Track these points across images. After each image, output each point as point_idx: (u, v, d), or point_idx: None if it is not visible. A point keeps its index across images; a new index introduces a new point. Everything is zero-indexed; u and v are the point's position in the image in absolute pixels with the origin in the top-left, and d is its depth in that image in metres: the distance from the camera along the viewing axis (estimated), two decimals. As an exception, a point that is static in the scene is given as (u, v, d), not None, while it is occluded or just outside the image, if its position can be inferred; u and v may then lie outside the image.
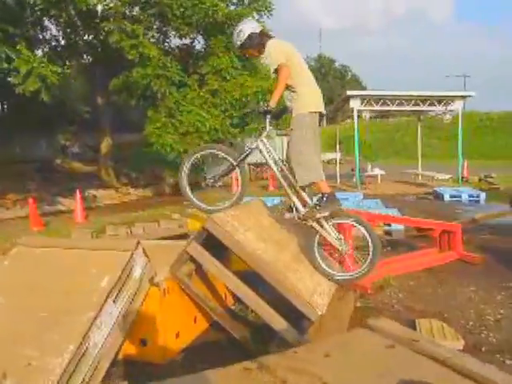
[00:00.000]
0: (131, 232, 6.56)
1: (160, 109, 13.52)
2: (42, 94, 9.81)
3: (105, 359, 2.61)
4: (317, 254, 3.58)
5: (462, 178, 15.38)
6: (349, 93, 15.57)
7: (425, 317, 3.84)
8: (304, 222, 3.62)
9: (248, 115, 13.96)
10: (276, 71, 3.55)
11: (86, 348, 2.46)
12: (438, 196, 12.31)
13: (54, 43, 15.13)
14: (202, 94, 13.91)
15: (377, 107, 15.62)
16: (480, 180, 15.33)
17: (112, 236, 6.48)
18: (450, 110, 15.54)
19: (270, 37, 3.75)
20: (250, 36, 3.70)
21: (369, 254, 3.49)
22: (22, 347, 2.42)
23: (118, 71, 14.48)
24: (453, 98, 15.04)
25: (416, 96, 15.37)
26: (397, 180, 17.83)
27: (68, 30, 14.42)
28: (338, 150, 19.14)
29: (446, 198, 11.80)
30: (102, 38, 13.80)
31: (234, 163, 3.71)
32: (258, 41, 3.70)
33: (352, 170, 18.44)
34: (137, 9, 13.71)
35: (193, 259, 3.40)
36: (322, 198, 3.54)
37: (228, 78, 14.15)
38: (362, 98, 15.48)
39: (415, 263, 5.41)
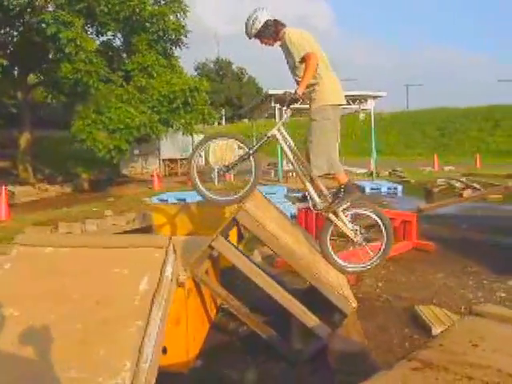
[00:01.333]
0: (85, 229, 5.91)
1: (89, 105, 13.22)
2: None
3: (151, 374, 2.26)
4: (329, 246, 3.52)
5: (374, 172, 16.51)
6: (270, 91, 15.72)
7: (414, 304, 3.99)
8: (319, 212, 3.54)
9: (176, 111, 13.90)
10: (302, 60, 3.40)
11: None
12: (358, 189, 13.04)
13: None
14: (130, 90, 13.85)
15: (297, 105, 15.98)
16: (390, 174, 16.60)
17: (67, 233, 5.76)
18: (363, 109, 16.53)
19: (283, 24, 3.57)
20: (265, 24, 3.51)
21: (382, 245, 3.51)
22: (63, 369, 1.99)
23: (37, 66, 14.41)
24: (366, 98, 16.01)
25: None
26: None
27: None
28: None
29: (367, 190, 12.56)
30: (20, 31, 13.55)
31: (250, 152, 3.47)
32: (274, 29, 3.54)
33: (268, 165, 18.85)
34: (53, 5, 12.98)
35: (209, 256, 3.13)
36: (340, 189, 3.49)
37: (154, 75, 14.35)
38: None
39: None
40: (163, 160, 21.53)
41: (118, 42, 15.80)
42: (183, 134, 15.83)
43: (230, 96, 51.82)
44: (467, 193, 9.94)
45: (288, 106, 3.48)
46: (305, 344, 3.06)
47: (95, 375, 1.97)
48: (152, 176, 15.80)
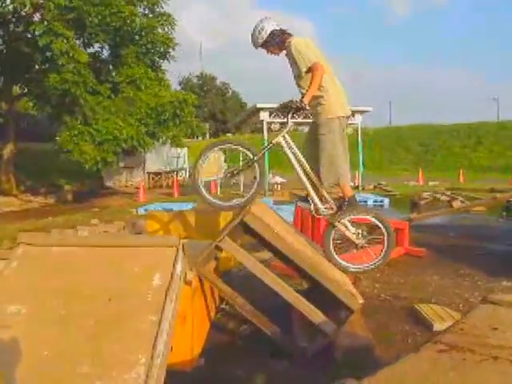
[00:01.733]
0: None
1: (77, 116, 13.18)
2: None
3: (162, 369, 2.23)
4: (332, 248, 3.56)
5: (360, 185, 16.77)
6: (259, 105, 15.88)
7: (414, 303, 4.05)
8: (321, 216, 3.60)
9: (164, 123, 13.90)
10: (308, 70, 3.43)
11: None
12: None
13: None
14: (117, 102, 13.85)
15: (285, 119, 16.15)
16: (375, 187, 16.82)
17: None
18: (350, 124, 16.77)
19: (290, 34, 3.62)
20: (272, 33, 3.54)
21: (383, 248, 3.56)
22: (76, 365, 1.95)
23: (22, 76, 14.36)
24: (354, 113, 16.27)
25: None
26: (295, 188, 18.61)
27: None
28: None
29: (354, 203, 12.68)
30: (5, 39, 13.61)
31: (255, 159, 3.49)
32: (280, 38, 3.57)
33: (254, 177, 18.88)
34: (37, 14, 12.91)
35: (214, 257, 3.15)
36: (344, 202, 3.53)
37: (142, 87, 14.39)
38: (271, 111, 15.88)
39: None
40: (148, 173, 21.49)
41: (105, 54, 15.79)
42: (171, 146, 15.76)
43: (214, 111, 52.13)
44: (457, 204, 10.17)
45: (293, 115, 3.49)
46: (308, 341, 3.07)
47: (108, 370, 1.94)
48: (137, 188, 15.73)
